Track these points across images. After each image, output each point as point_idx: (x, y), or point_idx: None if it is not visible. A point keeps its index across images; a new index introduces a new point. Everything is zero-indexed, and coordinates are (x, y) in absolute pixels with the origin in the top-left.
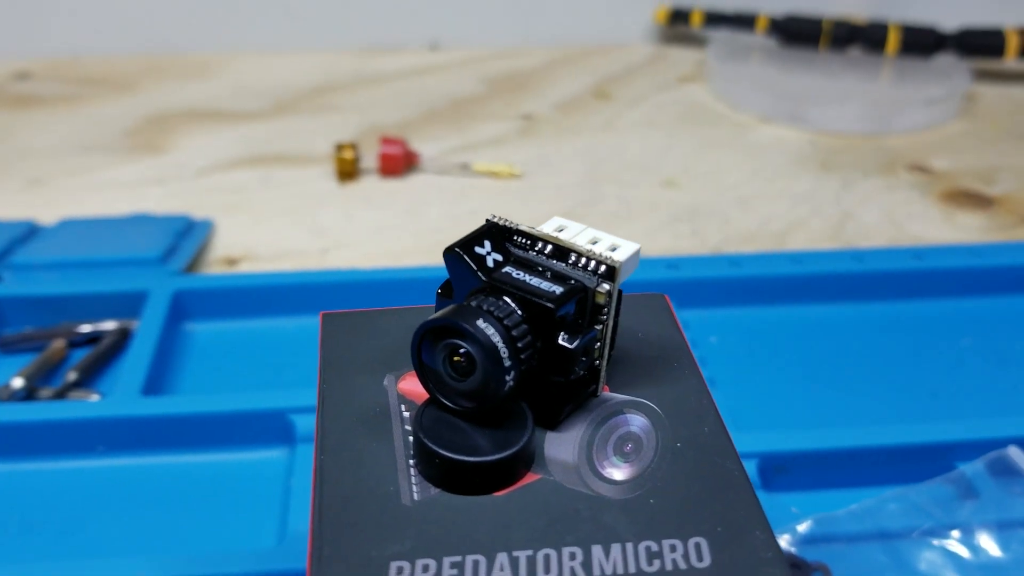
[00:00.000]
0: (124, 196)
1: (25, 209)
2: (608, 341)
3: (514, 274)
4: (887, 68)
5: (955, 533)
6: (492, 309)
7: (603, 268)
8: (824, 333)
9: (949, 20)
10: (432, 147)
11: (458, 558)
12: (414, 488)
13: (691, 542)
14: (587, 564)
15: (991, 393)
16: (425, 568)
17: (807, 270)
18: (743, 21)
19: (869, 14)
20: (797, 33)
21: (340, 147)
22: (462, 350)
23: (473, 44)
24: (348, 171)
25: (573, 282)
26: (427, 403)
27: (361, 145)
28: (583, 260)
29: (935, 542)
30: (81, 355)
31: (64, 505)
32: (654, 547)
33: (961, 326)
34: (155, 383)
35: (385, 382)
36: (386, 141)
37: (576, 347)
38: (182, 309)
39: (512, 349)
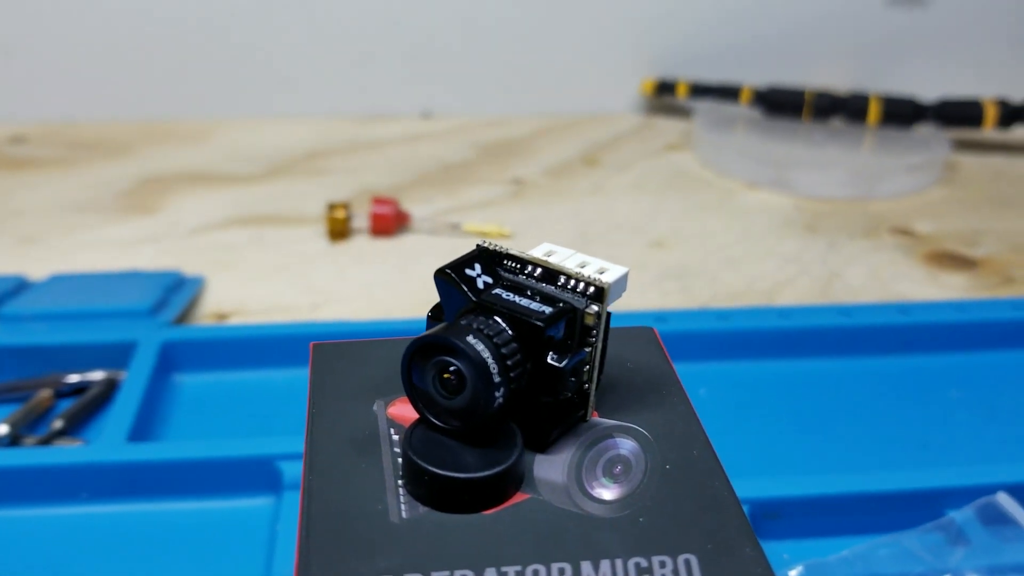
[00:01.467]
0: (116, 254)
1: (16, 266)
2: (597, 365)
3: (504, 295)
4: (869, 137)
5: None
6: (482, 327)
7: (592, 290)
8: (813, 387)
9: (928, 92)
10: (423, 208)
11: (446, 573)
12: (402, 507)
13: (681, 559)
14: None
15: (980, 443)
16: None
17: (795, 324)
18: (727, 92)
19: (850, 86)
20: (780, 104)
21: (332, 206)
22: (452, 367)
23: (465, 113)
24: (340, 230)
25: (562, 304)
26: (417, 423)
27: (353, 205)
28: (572, 282)
29: None
30: (68, 405)
31: (46, 553)
32: (643, 563)
33: (948, 380)
34: (141, 431)
35: (375, 407)
36: (378, 201)
37: (565, 366)
38: (171, 360)
39: (502, 366)
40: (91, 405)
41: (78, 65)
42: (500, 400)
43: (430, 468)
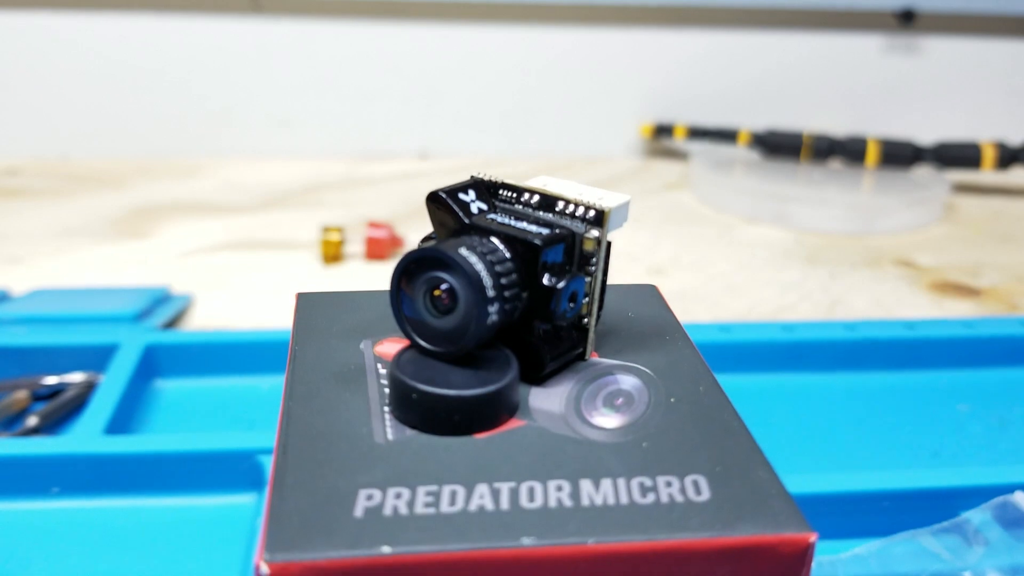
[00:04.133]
0: (103, 274)
1: None
2: (597, 298)
3: (499, 219)
4: (868, 178)
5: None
6: (476, 245)
7: (591, 214)
8: (819, 400)
9: (925, 136)
10: (419, 235)
11: (433, 487)
12: (388, 429)
13: (688, 479)
14: (575, 495)
15: (993, 452)
16: (398, 495)
17: (799, 338)
18: (725, 135)
19: (847, 130)
20: (778, 146)
21: (326, 230)
22: (444, 285)
23: (462, 154)
24: (333, 253)
25: (560, 229)
26: (407, 348)
27: (347, 230)
28: (571, 207)
29: None
30: (44, 405)
31: (12, 550)
32: (648, 482)
33: (957, 394)
34: (118, 428)
35: (361, 345)
36: (373, 225)
37: (561, 287)
38: (154, 364)
39: (496, 282)
40: (68, 405)
41: (74, 102)
42: (494, 317)
43: (418, 385)
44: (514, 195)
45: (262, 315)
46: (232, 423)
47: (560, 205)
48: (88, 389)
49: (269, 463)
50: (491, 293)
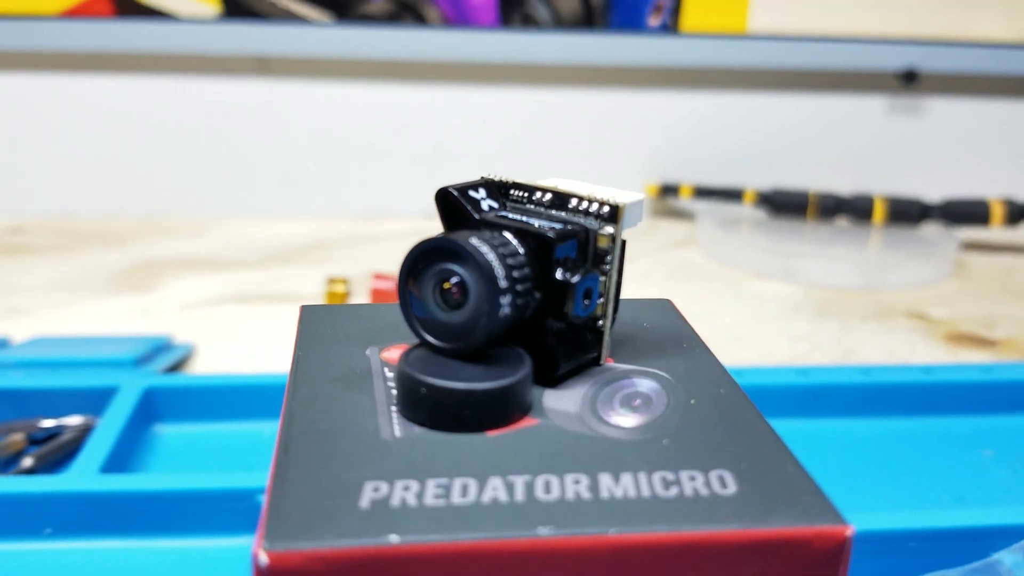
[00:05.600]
0: (104, 325)
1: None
2: (612, 299)
3: (511, 216)
4: (875, 235)
5: None
6: (487, 239)
7: (606, 210)
8: (834, 446)
9: (931, 193)
10: None
11: (444, 480)
12: (396, 427)
13: (713, 473)
14: (594, 488)
15: (1019, 494)
16: (406, 487)
17: (813, 382)
18: (731, 194)
19: (853, 189)
20: (785, 204)
21: (331, 281)
22: (454, 278)
23: None
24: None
25: (573, 225)
26: (416, 346)
27: (353, 282)
28: (584, 204)
29: None
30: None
31: None
32: (670, 476)
33: (980, 440)
34: (115, 468)
35: (367, 352)
36: (378, 277)
37: (576, 281)
38: (152, 409)
39: (508, 274)
40: (64, 447)
41: (79, 162)
42: (506, 310)
43: (427, 379)
44: (525, 194)
45: (265, 365)
46: (231, 468)
47: (573, 202)
48: (85, 432)
49: None
50: (503, 284)
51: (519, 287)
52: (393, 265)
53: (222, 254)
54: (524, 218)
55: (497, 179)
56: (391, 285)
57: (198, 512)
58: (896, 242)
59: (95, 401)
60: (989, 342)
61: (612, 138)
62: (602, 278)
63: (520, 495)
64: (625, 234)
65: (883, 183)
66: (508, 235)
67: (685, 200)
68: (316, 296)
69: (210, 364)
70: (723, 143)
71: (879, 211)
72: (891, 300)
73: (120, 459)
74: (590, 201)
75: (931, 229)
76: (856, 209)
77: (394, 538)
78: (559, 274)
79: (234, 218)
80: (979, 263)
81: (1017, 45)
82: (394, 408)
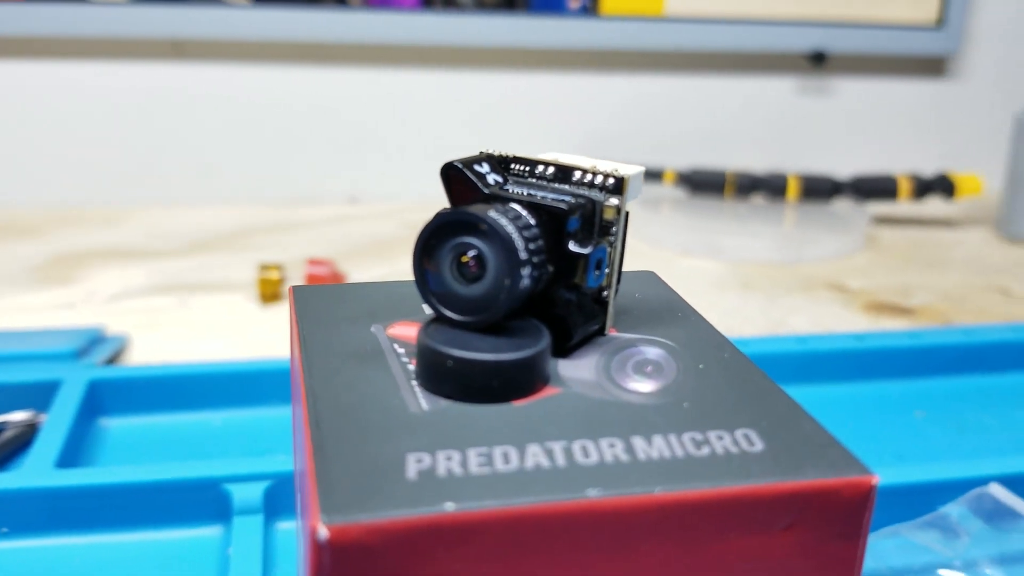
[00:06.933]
0: (29, 319)
1: None
2: (617, 269)
3: (517, 189)
4: (790, 212)
5: (956, 566)
6: (503, 211)
7: (611, 182)
8: None
9: (842, 169)
10: (360, 275)
11: (484, 449)
12: (421, 401)
13: (738, 432)
14: (630, 450)
15: (957, 454)
16: (448, 458)
17: (750, 352)
18: (650, 174)
19: (768, 167)
20: (703, 183)
21: (264, 268)
22: (472, 252)
23: (393, 199)
24: (272, 292)
25: (580, 198)
26: (433, 320)
27: (287, 268)
28: (588, 176)
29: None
30: None
31: None
32: (699, 436)
33: (911, 402)
34: (69, 463)
35: (372, 329)
36: (313, 263)
37: (589, 252)
38: (99, 402)
39: (526, 247)
40: (10, 444)
41: None
42: (526, 282)
43: (454, 352)
44: (527, 168)
45: (201, 356)
46: (187, 458)
47: (577, 175)
48: (31, 428)
49: (237, 492)
50: (523, 256)
51: (535, 259)
52: (323, 250)
53: (143, 244)
54: (530, 191)
55: (497, 154)
56: (326, 270)
57: (161, 504)
58: (810, 217)
59: (38, 396)
60: (907, 310)
61: (533, 120)
62: (608, 249)
63: (561, 460)
64: None
65: (796, 161)
66: (519, 208)
67: None
68: (246, 284)
69: (146, 355)
70: (642, 124)
71: (793, 188)
72: (811, 273)
73: (73, 454)
74: (594, 174)
75: (842, 204)
76: (771, 187)
77: (450, 506)
78: (572, 245)
79: (152, 207)
80: (889, 236)
81: (920, 26)
82: (414, 382)
